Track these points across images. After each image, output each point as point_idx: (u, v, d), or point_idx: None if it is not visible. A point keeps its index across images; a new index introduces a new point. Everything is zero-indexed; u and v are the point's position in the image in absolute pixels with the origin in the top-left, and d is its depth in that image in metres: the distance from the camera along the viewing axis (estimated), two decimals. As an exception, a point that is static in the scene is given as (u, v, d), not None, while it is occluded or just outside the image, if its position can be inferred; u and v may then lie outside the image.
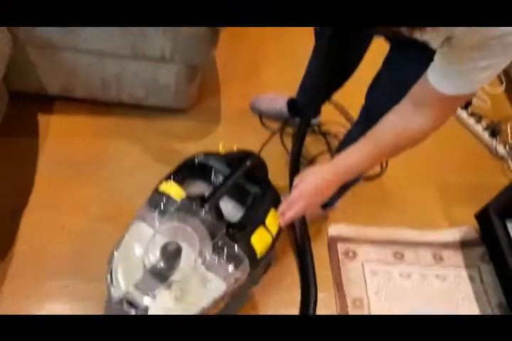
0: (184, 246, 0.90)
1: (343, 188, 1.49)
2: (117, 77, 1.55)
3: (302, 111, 1.64)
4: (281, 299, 1.36)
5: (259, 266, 1.08)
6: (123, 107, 1.67)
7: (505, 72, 2.25)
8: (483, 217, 1.56)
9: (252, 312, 1.31)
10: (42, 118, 1.60)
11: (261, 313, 1.31)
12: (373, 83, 1.22)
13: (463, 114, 1.99)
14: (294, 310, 1.33)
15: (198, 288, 0.92)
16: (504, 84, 2.20)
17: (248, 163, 1.13)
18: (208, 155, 1.16)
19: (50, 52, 1.46)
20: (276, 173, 1.57)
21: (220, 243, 0.96)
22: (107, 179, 1.51)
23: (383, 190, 1.70)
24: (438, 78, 0.86)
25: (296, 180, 1.08)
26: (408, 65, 1.04)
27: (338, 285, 1.42)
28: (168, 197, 1.02)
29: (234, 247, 0.97)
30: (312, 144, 1.77)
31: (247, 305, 1.30)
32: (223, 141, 1.24)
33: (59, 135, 1.58)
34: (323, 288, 1.39)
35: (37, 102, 1.62)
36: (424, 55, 0.87)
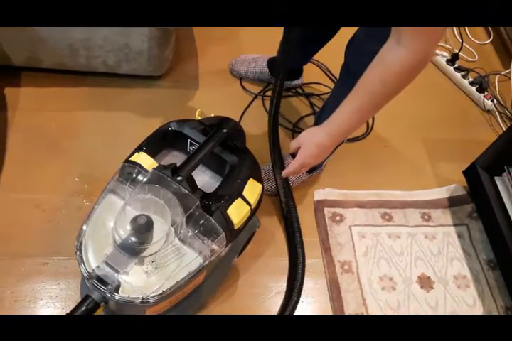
0: (156, 219, 0.86)
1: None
2: (86, 43, 1.46)
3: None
4: (267, 267, 1.33)
5: (239, 237, 1.04)
6: (96, 76, 1.59)
7: (494, 23, 2.18)
8: (471, 173, 1.53)
9: (235, 282, 1.28)
10: (9, 91, 1.52)
11: (245, 282, 1.29)
12: (351, 39, 1.18)
13: (449, 68, 1.93)
14: (283, 277, 1.31)
15: (173, 263, 0.88)
16: (492, 37, 2.13)
17: (224, 131, 1.07)
18: (181, 122, 1.10)
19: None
20: (259, 139, 1.54)
21: (194, 215, 0.92)
22: (81, 152, 1.44)
23: (370, 151, 1.65)
24: None
25: (294, 144, 1.10)
26: None
27: (326, 250, 1.40)
28: (139, 168, 0.97)
29: (209, 220, 0.92)
30: (296, 106, 1.72)
31: (232, 275, 1.27)
32: (202, 107, 1.18)
33: (29, 108, 1.51)
34: (311, 254, 1.37)
35: (2, 74, 1.53)
36: None
